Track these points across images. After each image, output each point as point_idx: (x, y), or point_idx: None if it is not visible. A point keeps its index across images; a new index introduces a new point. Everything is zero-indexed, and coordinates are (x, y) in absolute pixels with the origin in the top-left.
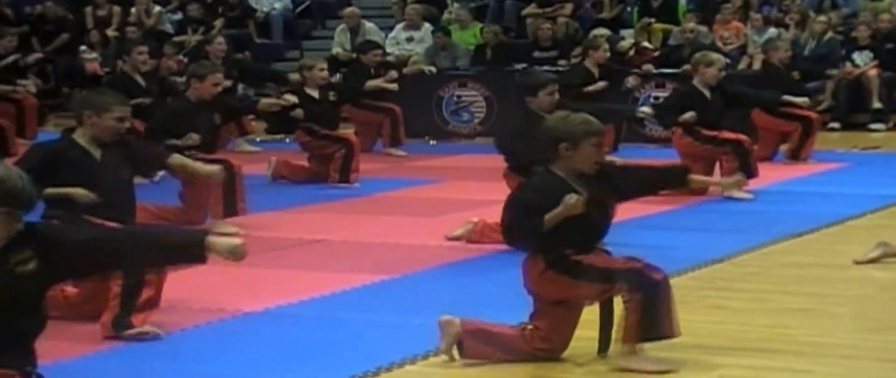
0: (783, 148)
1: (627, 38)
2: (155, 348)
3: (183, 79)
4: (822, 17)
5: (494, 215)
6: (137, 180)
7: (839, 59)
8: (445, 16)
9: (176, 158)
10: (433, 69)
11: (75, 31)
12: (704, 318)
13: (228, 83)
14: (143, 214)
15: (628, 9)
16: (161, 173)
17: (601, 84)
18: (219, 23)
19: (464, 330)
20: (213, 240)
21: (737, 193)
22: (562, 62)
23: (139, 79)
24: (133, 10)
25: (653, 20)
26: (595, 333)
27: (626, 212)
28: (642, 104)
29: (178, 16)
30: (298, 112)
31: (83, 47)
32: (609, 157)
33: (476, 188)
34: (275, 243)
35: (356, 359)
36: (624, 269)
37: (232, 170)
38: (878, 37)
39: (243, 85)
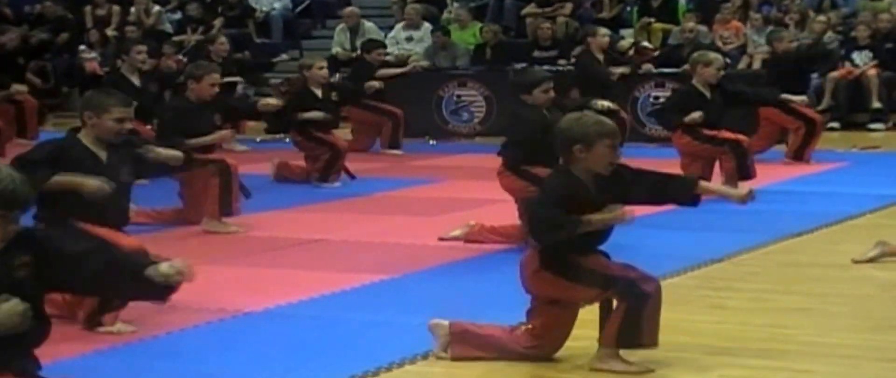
0: (785, 148)
1: (627, 37)
2: (155, 348)
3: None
4: (822, 17)
5: (493, 216)
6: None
7: (838, 58)
8: (445, 15)
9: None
10: (424, 63)
11: (75, 30)
12: (704, 317)
13: (238, 79)
14: (142, 219)
15: (628, 8)
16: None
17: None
18: (218, 22)
19: (451, 332)
20: (151, 272)
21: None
22: (561, 62)
23: (135, 79)
24: (132, 9)
25: (652, 20)
26: (595, 333)
27: None
28: (642, 103)
29: (178, 15)
30: (315, 113)
31: (82, 47)
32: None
33: (476, 188)
34: (274, 243)
35: (356, 358)
36: (619, 278)
37: (228, 170)
38: (878, 36)
39: (243, 84)
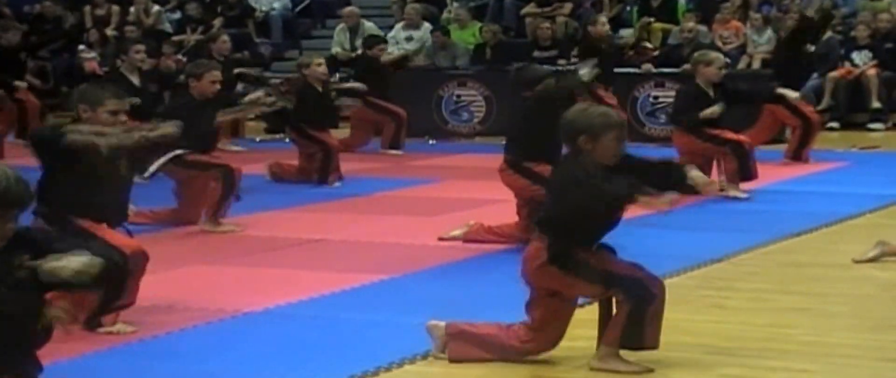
0: (783, 148)
1: (627, 37)
2: (155, 348)
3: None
4: None
5: (493, 216)
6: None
7: (838, 58)
8: (445, 15)
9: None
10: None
11: (74, 30)
12: (704, 317)
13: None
14: (140, 220)
15: (628, 8)
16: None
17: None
18: (218, 22)
19: (448, 333)
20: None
21: (733, 193)
22: (561, 61)
23: (134, 79)
24: (132, 9)
25: (652, 20)
26: (595, 333)
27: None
28: (642, 103)
29: (177, 15)
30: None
31: (82, 47)
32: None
33: (475, 187)
34: (274, 243)
35: (356, 359)
36: (625, 276)
37: (232, 175)
38: (878, 36)
39: (243, 84)
